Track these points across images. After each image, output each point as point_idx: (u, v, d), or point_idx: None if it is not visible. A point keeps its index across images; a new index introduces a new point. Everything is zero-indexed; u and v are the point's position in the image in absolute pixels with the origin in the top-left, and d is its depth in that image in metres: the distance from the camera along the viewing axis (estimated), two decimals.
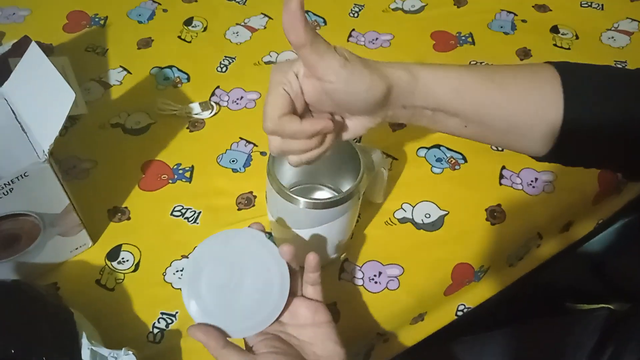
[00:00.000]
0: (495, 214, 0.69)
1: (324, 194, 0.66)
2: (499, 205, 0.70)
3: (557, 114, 0.46)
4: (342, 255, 0.65)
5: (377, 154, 0.60)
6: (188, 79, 0.84)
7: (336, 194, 0.58)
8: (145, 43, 0.89)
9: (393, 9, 0.95)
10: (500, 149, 0.75)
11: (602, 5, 0.94)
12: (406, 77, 0.45)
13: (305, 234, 0.57)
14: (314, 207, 0.54)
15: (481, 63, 0.86)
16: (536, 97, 0.47)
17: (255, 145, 0.76)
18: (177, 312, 0.61)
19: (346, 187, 0.59)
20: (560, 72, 0.47)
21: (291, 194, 0.53)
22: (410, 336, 0.67)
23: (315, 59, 0.42)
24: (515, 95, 0.47)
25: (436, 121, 0.48)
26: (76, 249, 0.64)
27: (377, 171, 0.61)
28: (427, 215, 0.69)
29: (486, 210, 0.70)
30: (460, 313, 0.68)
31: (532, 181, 0.72)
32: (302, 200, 0.53)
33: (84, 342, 0.51)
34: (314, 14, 0.93)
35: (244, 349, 0.49)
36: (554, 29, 0.91)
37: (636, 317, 0.67)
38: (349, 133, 0.49)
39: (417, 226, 0.68)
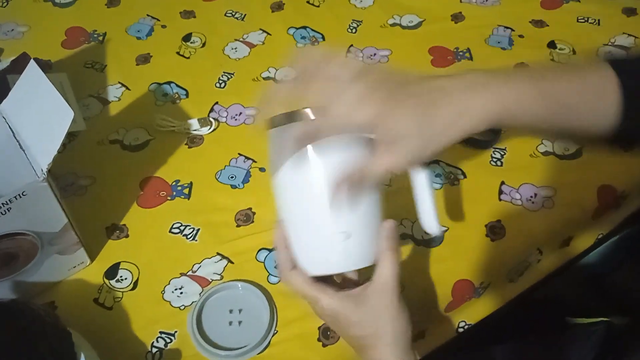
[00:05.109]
0: (495, 230, 0.69)
1: None
2: (498, 221, 0.70)
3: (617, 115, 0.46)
4: None
5: None
6: (187, 95, 0.84)
7: None
8: (144, 59, 0.89)
9: (391, 25, 0.95)
10: (499, 163, 0.75)
11: (599, 20, 0.95)
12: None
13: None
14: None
15: None
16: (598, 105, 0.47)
17: (254, 161, 0.76)
18: (176, 332, 0.61)
19: None
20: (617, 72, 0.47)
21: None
22: None
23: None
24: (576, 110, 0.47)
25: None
26: (74, 267, 0.64)
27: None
28: None
29: (486, 226, 0.70)
30: (461, 330, 0.68)
31: (531, 196, 0.72)
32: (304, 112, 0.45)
33: None
34: (313, 30, 0.94)
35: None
36: (551, 44, 0.91)
37: (636, 330, 0.67)
38: None
39: (417, 242, 0.68)
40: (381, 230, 0.48)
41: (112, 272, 0.65)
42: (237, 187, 0.73)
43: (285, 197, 0.49)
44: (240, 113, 0.82)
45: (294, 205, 0.49)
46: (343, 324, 0.48)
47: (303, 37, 0.93)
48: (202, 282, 0.65)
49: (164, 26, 0.94)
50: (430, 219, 0.49)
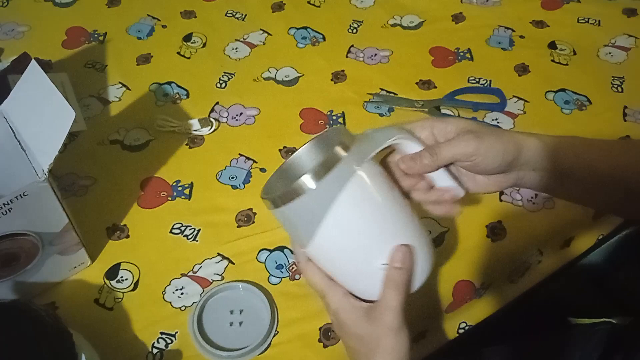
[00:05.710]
0: (495, 231, 0.69)
1: None
2: (499, 221, 0.70)
3: None
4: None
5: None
6: (187, 95, 0.84)
7: None
8: (145, 59, 0.89)
9: (392, 25, 0.95)
10: None
11: (599, 21, 0.95)
12: (535, 142, 0.50)
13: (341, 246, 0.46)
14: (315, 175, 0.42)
15: (480, 79, 0.86)
16: None
17: (254, 161, 0.76)
18: (176, 332, 0.61)
19: None
20: None
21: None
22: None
23: (449, 154, 0.48)
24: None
25: (563, 184, 0.52)
26: (75, 267, 0.64)
27: None
28: (428, 233, 0.69)
29: (487, 226, 0.70)
30: (461, 330, 0.68)
31: (532, 197, 0.72)
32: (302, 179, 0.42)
33: None
34: (313, 30, 0.94)
35: None
36: (552, 45, 0.91)
37: (638, 330, 0.67)
38: (481, 188, 0.53)
39: None
40: (390, 260, 0.45)
41: (112, 272, 0.65)
42: (237, 188, 0.73)
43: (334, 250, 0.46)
44: (241, 113, 0.82)
45: (339, 255, 0.47)
46: (343, 330, 0.48)
47: (304, 38, 0.93)
48: (203, 282, 0.65)
49: (164, 26, 0.94)
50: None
